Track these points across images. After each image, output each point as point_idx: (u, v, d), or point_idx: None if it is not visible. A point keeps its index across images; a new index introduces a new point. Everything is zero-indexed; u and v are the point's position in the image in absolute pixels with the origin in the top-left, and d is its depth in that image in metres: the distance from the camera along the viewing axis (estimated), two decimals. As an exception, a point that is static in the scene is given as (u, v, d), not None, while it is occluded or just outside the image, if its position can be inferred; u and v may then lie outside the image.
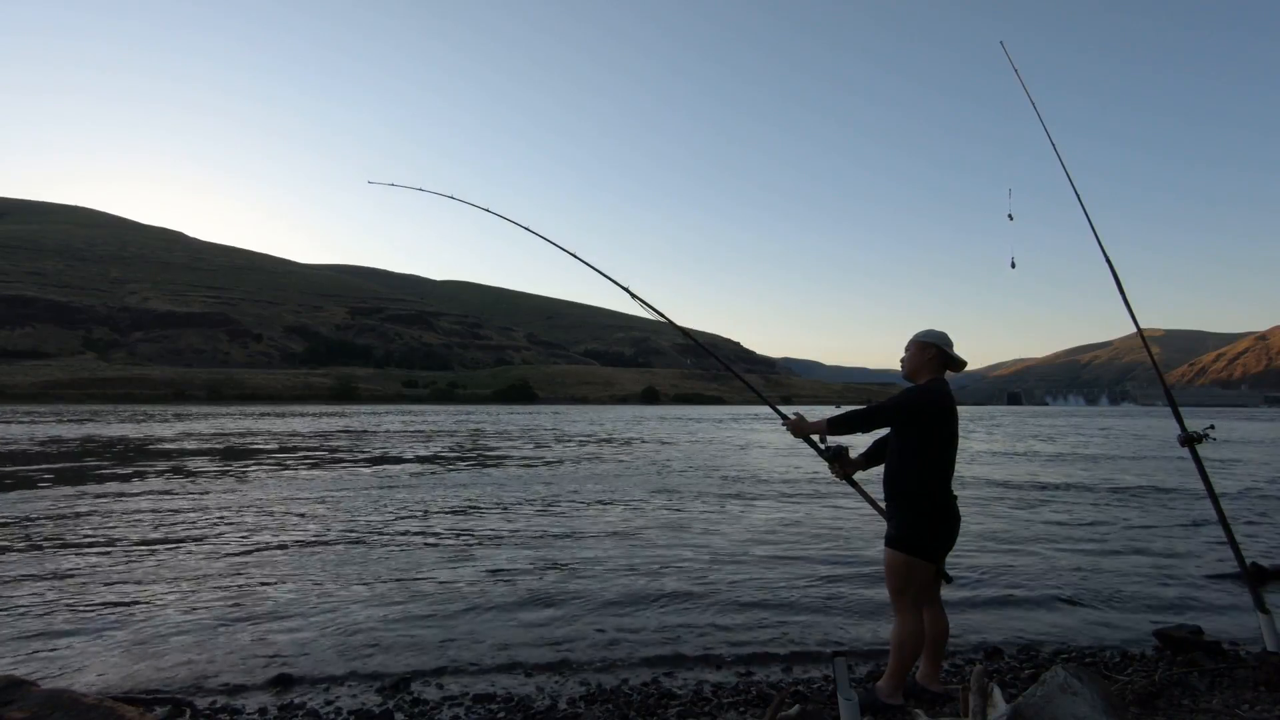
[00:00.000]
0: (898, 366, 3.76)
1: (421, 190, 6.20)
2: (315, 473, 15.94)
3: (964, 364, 3.66)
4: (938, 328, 3.74)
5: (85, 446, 23.27)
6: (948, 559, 3.69)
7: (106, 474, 15.27)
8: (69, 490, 12.48)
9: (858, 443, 3.70)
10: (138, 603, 5.76)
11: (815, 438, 3.81)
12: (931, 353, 3.61)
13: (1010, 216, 4.73)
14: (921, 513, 3.49)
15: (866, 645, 4.84)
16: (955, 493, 3.62)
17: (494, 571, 6.83)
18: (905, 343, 3.76)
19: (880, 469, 3.76)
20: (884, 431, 3.71)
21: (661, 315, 4.78)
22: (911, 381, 3.68)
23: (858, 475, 3.92)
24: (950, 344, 3.64)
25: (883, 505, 3.71)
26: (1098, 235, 4.63)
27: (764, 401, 4.80)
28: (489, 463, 18.86)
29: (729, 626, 5.25)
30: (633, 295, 4.68)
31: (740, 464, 18.76)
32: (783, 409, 4.08)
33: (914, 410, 3.52)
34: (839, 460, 3.82)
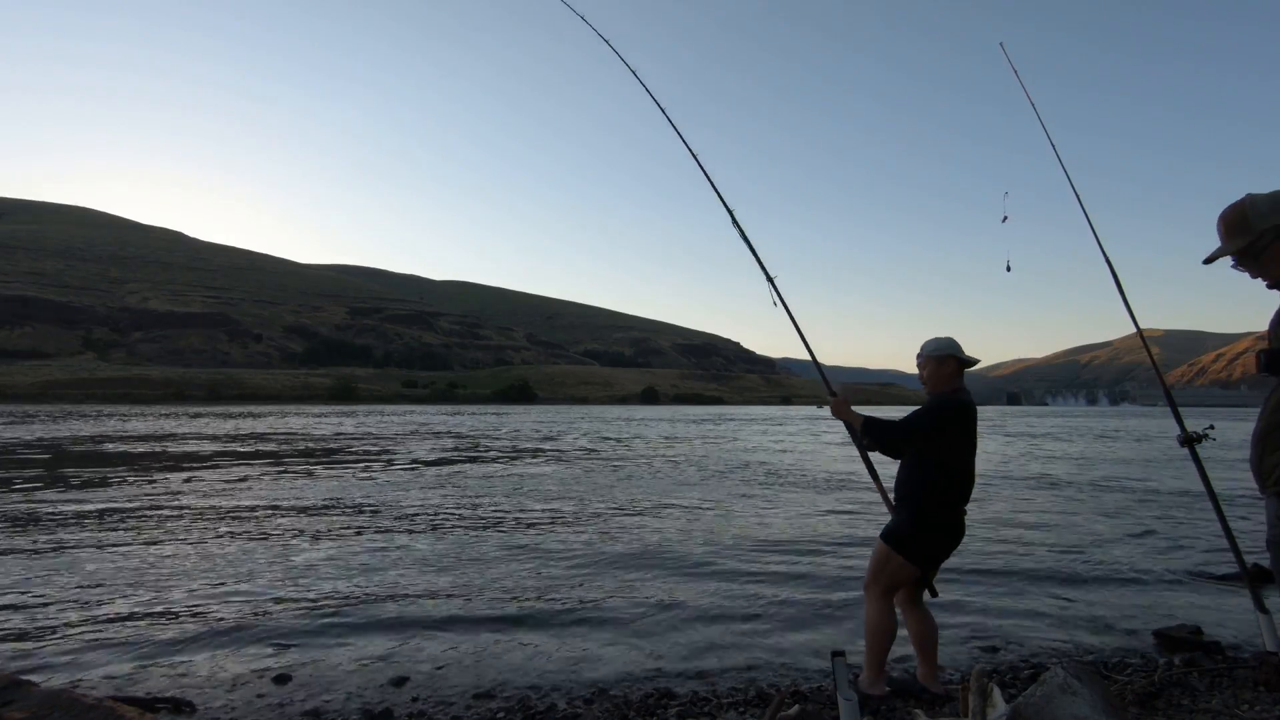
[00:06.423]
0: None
1: (584, 19, 5.37)
2: (320, 473, 15.94)
3: (976, 361, 3.69)
4: (943, 332, 3.74)
5: (85, 447, 23.26)
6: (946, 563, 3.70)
7: (104, 474, 15.26)
8: (66, 490, 12.48)
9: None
10: (137, 603, 5.76)
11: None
12: (951, 365, 3.63)
13: (1005, 218, 4.71)
14: (925, 521, 3.52)
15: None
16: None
17: (497, 571, 6.84)
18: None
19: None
20: None
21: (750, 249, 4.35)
22: (934, 393, 3.67)
23: (878, 467, 3.90)
24: (960, 347, 3.66)
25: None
26: (1097, 235, 4.62)
27: (821, 376, 4.28)
28: (499, 461, 18.87)
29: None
30: (734, 221, 4.34)
31: (792, 464, 18.76)
32: (833, 385, 3.94)
33: (944, 424, 3.54)
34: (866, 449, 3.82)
